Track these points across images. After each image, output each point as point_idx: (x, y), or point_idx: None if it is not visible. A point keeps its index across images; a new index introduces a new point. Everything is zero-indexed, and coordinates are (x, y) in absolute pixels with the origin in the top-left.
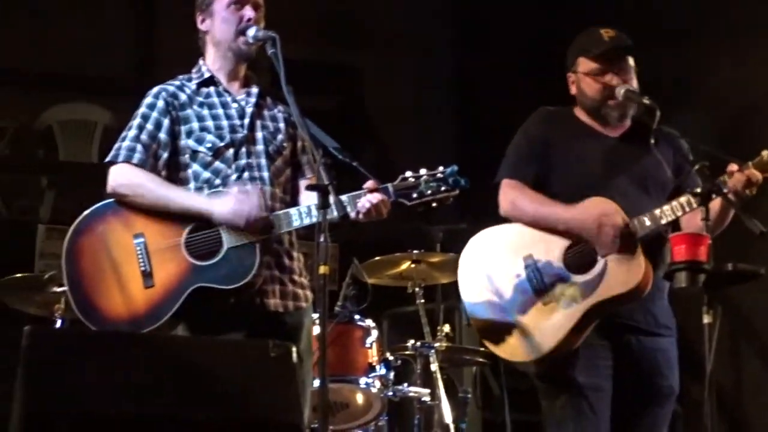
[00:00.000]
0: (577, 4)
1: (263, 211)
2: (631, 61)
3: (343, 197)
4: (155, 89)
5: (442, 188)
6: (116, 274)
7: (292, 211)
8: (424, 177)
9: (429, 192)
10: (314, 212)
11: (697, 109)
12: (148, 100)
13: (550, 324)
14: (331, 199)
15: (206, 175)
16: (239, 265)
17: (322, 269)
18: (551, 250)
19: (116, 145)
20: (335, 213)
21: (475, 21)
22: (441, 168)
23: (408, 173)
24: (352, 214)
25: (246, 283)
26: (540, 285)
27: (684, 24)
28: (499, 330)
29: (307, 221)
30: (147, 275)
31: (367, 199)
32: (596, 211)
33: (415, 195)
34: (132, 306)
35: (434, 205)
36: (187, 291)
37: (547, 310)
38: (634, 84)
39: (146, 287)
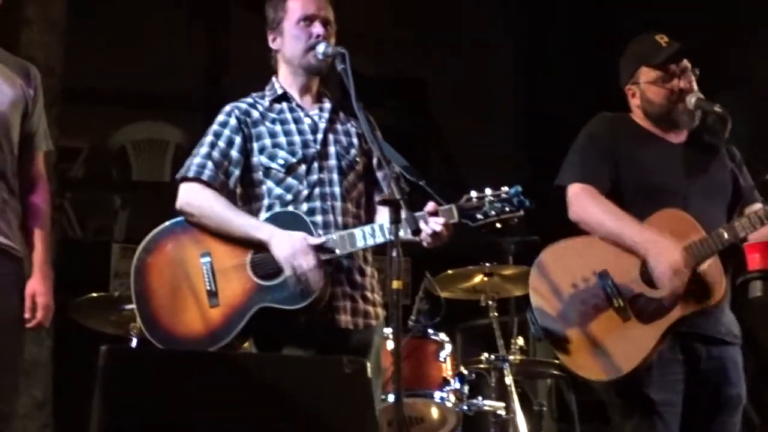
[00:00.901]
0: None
1: (316, 269)
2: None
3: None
4: (228, 107)
5: (507, 209)
6: (182, 292)
7: (356, 231)
8: (488, 197)
9: (493, 213)
10: (378, 233)
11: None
12: (220, 117)
13: (629, 342)
14: (403, 213)
15: (278, 191)
16: (304, 284)
17: (396, 284)
18: (628, 264)
19: (187, 161)
20: (408, 228)
21: (539, 32)
22: (505, 188)
23: (472, 193)
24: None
25: (310, 302)
26: (618, 301)
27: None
28: (574, 346)
29: (371, 242)
30: (212, 295)
31: (430, 227)
32: (671, 250)
33: (479, 216)
34: (196, 325)
35: (498, 225)
36: (251, 311)
37: (625, 327)
38: (695, 85)
39: (211, 306)
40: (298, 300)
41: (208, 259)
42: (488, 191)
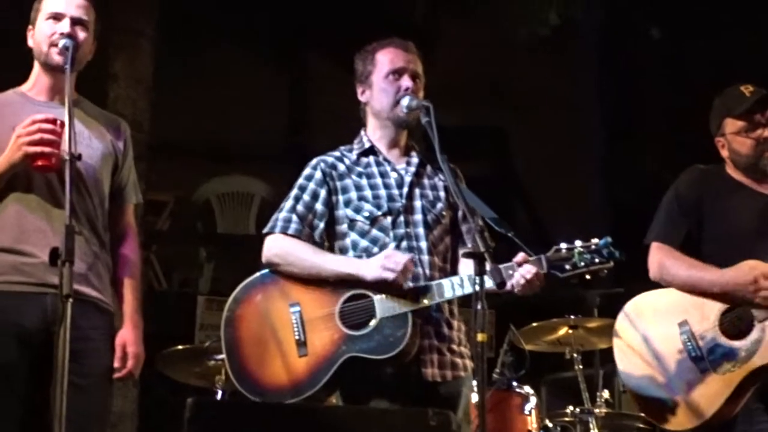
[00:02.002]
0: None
1: (411, 266)
2: None
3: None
4: (314, 160)
5: (596, 260)
6: (272, 342)
7: (445, 282)
8: (578, 249)
9: (583, 264)
10: (467, 284)
11: None
12: (306, 171)
13: (707, 392)
14: (488, 266)
15: (364, 243)
16: (391, 335)
17: (480, 336)
18: (706, 315)
19: (273, 217)
20: (492, 281)
21: (623, 81)
22: (595, 240)
23: (562, 245)
24: (507, 287)
25: (398, 353)
26: (696, 352)
27: None
28: (654, 397)
29: (459, 293)
30: (301, 344)
31: (521, 275)
32: (752, 272)
33: (568, 267)
34: (285, 375)
35: (588, 277)
36: (339, 361)
37: (704, 378)
38: None
39: (300, 356)
40: (387, 349)
41: (297, 308)
42: (578, 243)
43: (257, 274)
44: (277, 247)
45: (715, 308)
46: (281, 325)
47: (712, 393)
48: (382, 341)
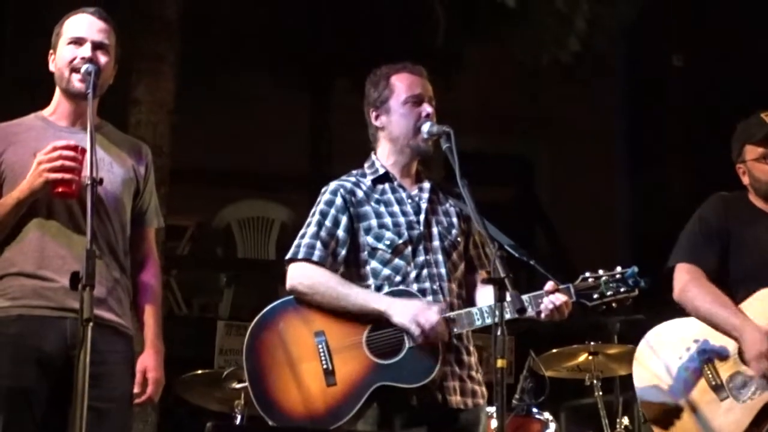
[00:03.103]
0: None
1: (443, 327)
2: None
3: (525, 297)
4: (332, 185)
5: (622, 289)
6: (297, 371)
7: (474, 310)
8: (604, 278)
9: (610, 293)
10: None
11: None
12: (326, 197)
13: (727, 421)
14: (508, 293)
15: (386, 272)
16: (421, 364)
17: (500, 363)
18: (727, 344)
19: (296, 242)
20: (513, 307)
21: (647, 108)
22: (619, 268)
23: (587, 274)
24: (533, 313)
25: (429, 381)
26: (716, 380)
27: None
28: (674, 427)
29: (489, 321)
30: (329, 373)
31: (550, 301)
32: (764, 343)
33: (596, 296)
34: (313, 404)
35: (614, 305)
36: (369, 390)
37: (724, 406)
38: None
39: (328, 385)
40: (418, 378)
41: (322, 338)
42: (601, 272)
43: (279, 301)
44: (304, 276)
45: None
46: (307, 354)
47: (733, 421)
48: (412, 370)
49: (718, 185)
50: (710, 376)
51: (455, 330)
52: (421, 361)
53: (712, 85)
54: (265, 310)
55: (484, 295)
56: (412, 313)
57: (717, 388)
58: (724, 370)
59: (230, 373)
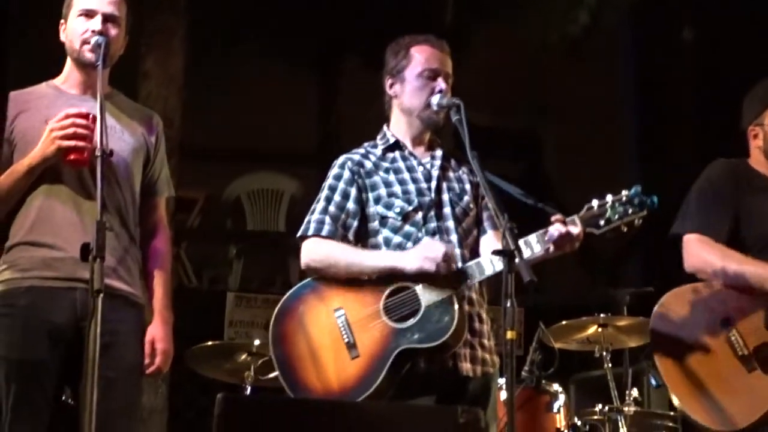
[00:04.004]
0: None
1: (453, 254)
2: None
3: (531, 236)
4: (341, 159)
5: (630, 211)
6: (323, 351)
7: (482, 260)
8: (609, 203)
9: (617, 217)
10: (498, 261)
11: None
12: (334, 171)
13: (754, 392)
14: (517, 263)
15: (397, 239)
16: (438, 321)
17: (510, 334)
18: (754, 312)
19: (306, 219)
20: (523, 279)
21: (657, 87)
22: (624, 191)
23: (593, 201)
24: (542, 252)
25: (449, 337)
26: (743, 350)
27: None
28: (696, 395)
29: (499, 267)
30: (351, 346)
31: (556, 228)
32: None
33: (602, 222)
34: (342, 379)
35: (624, 230)
36: (392, 355)
37: (750, 377)
38: None
39: (352, 358)
40: (438, 336)
41: (341, 312)
42: (609, 196)
43: (297, 286)
44: (315, 252)
45: (763, 303)
46: (328, 332)
47: (757, 395)
48: (431, 329)
49: (725, 155)
50: (737, 346)
51: (468, 282)
52: (438, 319)
53: (721, 59)
54: (284, 297)
55: (487, 244)
56: (420, 254)
57: (744, 358)
58: (752, 340)
59: (240, 345)
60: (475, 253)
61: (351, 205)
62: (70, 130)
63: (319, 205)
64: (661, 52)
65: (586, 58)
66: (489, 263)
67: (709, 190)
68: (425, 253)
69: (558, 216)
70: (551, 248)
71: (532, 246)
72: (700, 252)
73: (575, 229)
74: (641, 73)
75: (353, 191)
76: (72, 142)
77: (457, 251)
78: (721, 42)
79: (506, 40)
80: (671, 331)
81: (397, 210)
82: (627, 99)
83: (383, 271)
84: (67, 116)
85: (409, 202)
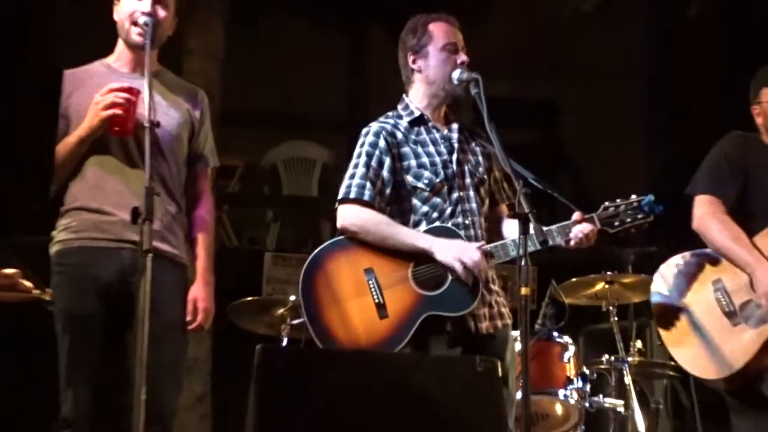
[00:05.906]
0: None
1: (484, 263)
2: None
3: (553, 227)
4: (374, 127)
5: (639, 216)
6: (351, 306)
7: (508, 242)
8: (623, 207)
9: (629, 220)
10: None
11: None
12: (369, 138)
13: (739, 344)
14: (532, 226)
15: (425, 209)
16: (464, 292)
17: (524, 290)
18: (739, 274)
19: (346, 183)
20: (537, 239)
21: (671, 51)
22: (634, 196)
23: (607, 203)
24: (561, 242)
25: (471, 309)
26: (729, 307)
27: None
28: (690, 349)
29: (521, 251)
30: (381, 307)
31: (579, 230)
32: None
33: (616, 223)
34: (370, 335)
35: (633, 230)
36: (419, 320)
37: (736, 331)
38: None
39: (381, 318)
40: (462, 307)
41: (372, 274)
42: (619, 201)
43: (328, 242)
44: (355, 216)
45: None
46: (358, 290)
47: (743, 345)
48: (456, 300)
49: (741, 126)
50: (724, 303)
51: (492, 262)
52: (463, 292)
53: (738, 26)
54: (313, 253)
55: (512, 227)
56: (455, 252)
57: (730, 314)
58: (738, 297)
59: (277, 300)
60: (488, 219)
61: (386, 173)
62: (109, 101)
63: (358, 170)
64: (682, 17)
65: (604, 27)
66: (514, 247)
67: (722, 157)
68: (461, 255)
69: (578, 215)
70: (571, 243)
71: (553, 236)
72: (704, 216)
73: (594, 229)
74: (658, 40)
75: (388, 160)
76: (110, 111)
77: (477, 219)
78: (743, 7)
79: (524, 8)
80: (668, 293)
81: (426, 181)
82: (649, 64)
83: (415, 250)
84: (110, 90)
85: (436, 173)
